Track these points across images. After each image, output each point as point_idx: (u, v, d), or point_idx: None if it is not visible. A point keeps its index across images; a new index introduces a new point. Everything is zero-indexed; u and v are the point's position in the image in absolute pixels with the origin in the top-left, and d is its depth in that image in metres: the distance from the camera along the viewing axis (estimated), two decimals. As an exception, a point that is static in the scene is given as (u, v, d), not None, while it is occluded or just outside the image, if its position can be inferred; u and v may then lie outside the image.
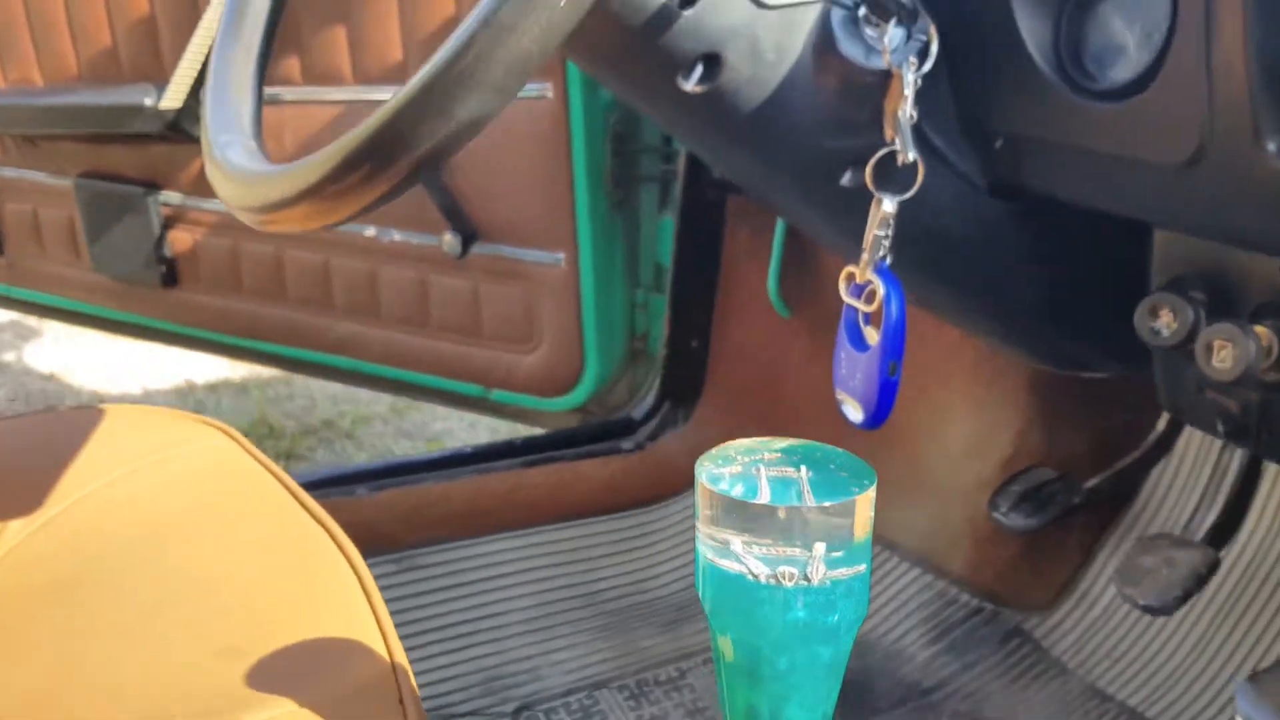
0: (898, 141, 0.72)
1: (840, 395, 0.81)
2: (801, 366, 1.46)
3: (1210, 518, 1.24)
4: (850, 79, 0.74)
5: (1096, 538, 1.33)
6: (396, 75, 1.49)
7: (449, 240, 1.49)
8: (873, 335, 0.78)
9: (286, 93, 1.57)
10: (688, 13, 0.67)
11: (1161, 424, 1.22)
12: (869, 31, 0.73)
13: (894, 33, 0.72)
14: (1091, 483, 1.19)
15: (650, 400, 1.48)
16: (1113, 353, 0.96)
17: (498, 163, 1.46)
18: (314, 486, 1.31)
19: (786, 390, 1.48)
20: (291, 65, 1.56)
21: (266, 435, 2.44)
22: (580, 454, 1.43)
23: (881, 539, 1.41)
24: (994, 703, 1.28)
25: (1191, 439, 1.24)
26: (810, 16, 0.73)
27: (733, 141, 0.78)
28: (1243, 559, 1.14)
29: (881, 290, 0.75)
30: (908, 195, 0.73)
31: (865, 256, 0.75)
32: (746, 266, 1.43)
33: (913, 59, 0.72)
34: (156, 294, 1.82)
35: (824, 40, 0.73)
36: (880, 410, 0.77)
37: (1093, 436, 1.29)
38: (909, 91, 0.71)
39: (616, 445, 1.46)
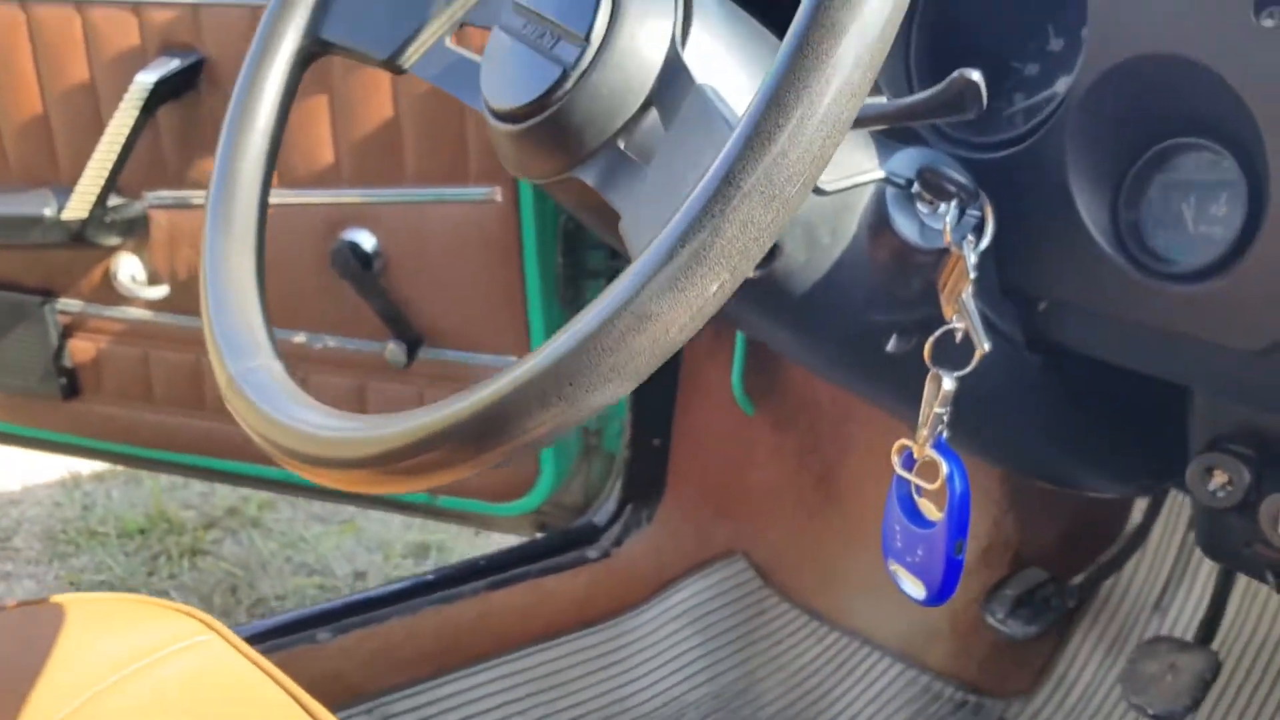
0: (956, 319, 0.70)
1: (894, 567, 0.79)
2: (766, 462, 1.44)
3: (1180, 595, 1.27)
4: (905, 257, 0.72)
5: (1070, 618, 1.35)
6: (329, 179, 1.41)
7: (393, 350, 1.42)
8: (933, 511, 0.75)
9: (199, 196, 1.47)
10: None
11: (1138, 515, 1.24)
12: (922, 209, 0.71)
13: (952, 212, 0.69)
14: (1078, 580, 1.20)
15: (612, 504, 1.44)
16: (1121, 479, 0.96)
17: (444, 267, 1.40)
18: (274, 634, 1.23)
19: (751, 485, 1.46)
20: (206, 166, 1.46)
21: (167, 531, 2.30)
22: (546, 568, 1.38)
23: (861, 634, 1.40)
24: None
25: (1164, 527, 1.27)
26: (864, 198, 0.70)
27: (781, 321, 0.75)
28: (1225, 646, 1.16)
29: (944, 468, 0.73)
30: (967, 371, 0.71)
31: (924, 433, 0.73)
32: (708, 364, 1.40)
33: (970, 237, 0.70)
34: (56, 406, 1.69)
35: (878, 220, 0.71)
36: (946, 589, 0.75)
37: (1067, 524, 1.31)
38: (973, 273, 0.69)
39: (582, 555, 1.41)
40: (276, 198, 1.44)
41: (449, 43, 0.75)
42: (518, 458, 0.51)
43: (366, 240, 1.43)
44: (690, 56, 0.60)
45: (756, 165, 0.44)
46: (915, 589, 0.77)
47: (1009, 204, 0.72)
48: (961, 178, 0.68)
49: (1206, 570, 1.26)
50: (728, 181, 0.45)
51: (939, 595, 0.76)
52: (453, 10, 0.75)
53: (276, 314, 1.49)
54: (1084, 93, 0.67)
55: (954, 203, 0.69)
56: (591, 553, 1.42)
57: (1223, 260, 0.65)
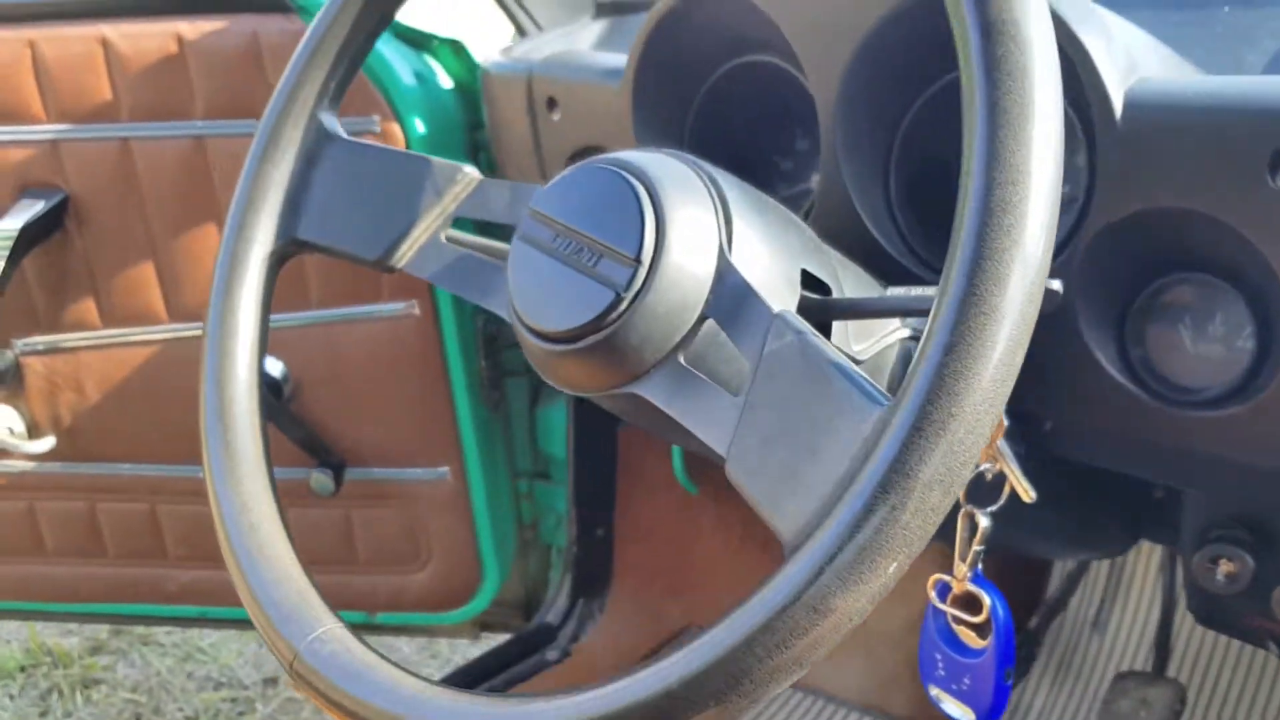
0: (988, 462, 0.72)
1: (936, 693, 0.81)
2: (711, 536, 1.45)
3: (1117, 613, 1.34)
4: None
5: (1018, 647, 1.41)
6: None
7: (318, 478, 1.36)
8: (974, 640, 0.77)
9: (80, 339, 1.37)
10: None
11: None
12: None
13: None
14: (1033, 623, 1.25)
15: (563, 600, 1.42)
16: (1100, 548, 1.01)
17: (363, 386, 1.35)
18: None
19: (697, 560, 1.47)
20: (82, 309, 1.36)
21: (51, 665, 2.14)
22: (510, 679, 1.35)
23: (824, 691, 1.43)
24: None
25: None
26: (892, 356, 0.71)
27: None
28: (1184, 672, 1.24)
29: (987, 601, 0.75)
30: (998, 506, 0.73)
31: (964, 569, 0.75)
32: (646, 452, 1.40)
33: None
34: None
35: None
36: (995, 713, 0.77)
37: (1009, 565, 1.36)
38: (1007, 421, 0.70)
39: (543, 659, 1.39)
40: (161, 333, 1.36)
41: (444, 239, 0.72)
42: None
43: (272, 367, 1.36)
44: (738, 260, 0.60)
45: (933, 456, 0.44)
46: (964, 714, 0.79)
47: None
48: None
49: (1139, 588, 1.34)
50: (905, 473, 0.44)
51: (989, 719, 0.78)
52: (444, 205, 0.72)
53: (172, 450, 1.42)
54: (1093, 238, 0.70)
55: None
56: (551, 654, 1.40)
57: (1242, 385, 0.69)
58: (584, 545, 1.41)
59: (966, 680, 0.78)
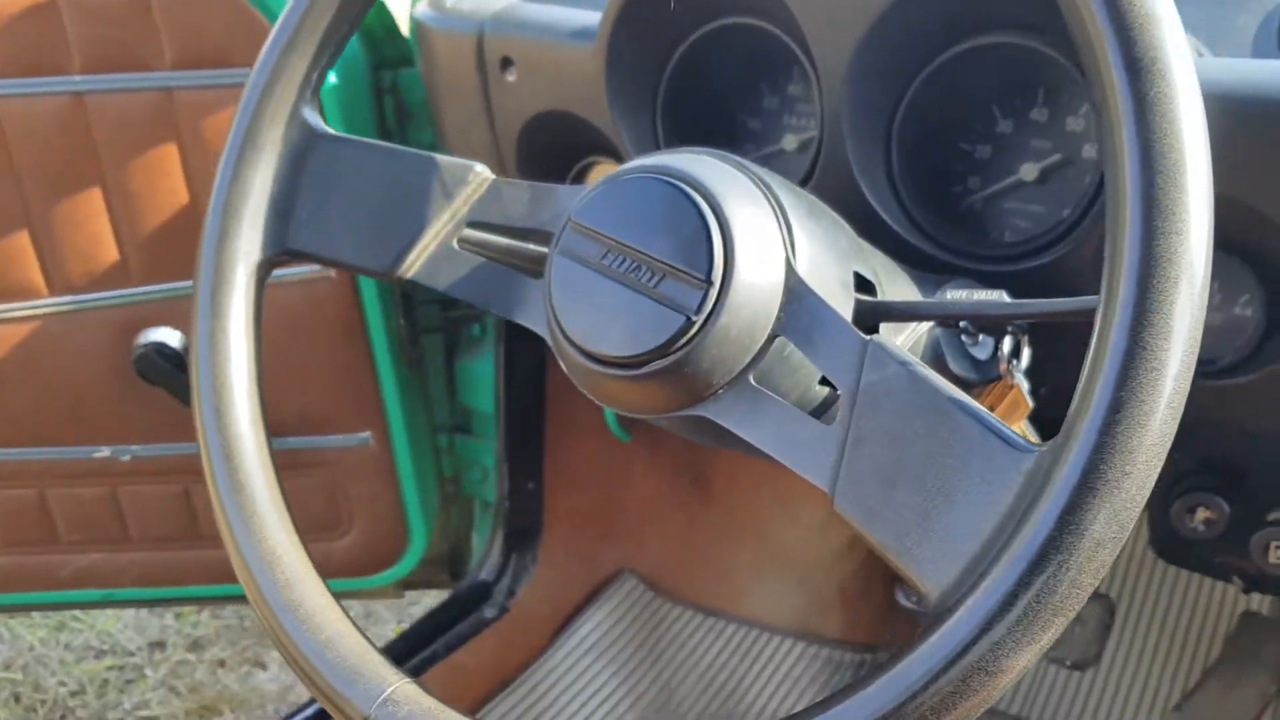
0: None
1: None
2: (642, 481, 1.44)
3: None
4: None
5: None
6: (115, 279, 1.22)
7: (235, 453, 1.27)
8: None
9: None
10: None
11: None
12: (966, 341, 0.72)
13: (1007, 342, 0.71)
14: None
15: (496, 556, 1.40)
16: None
17: (277, 352, 1.25)
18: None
19: (629, 505, 1.46)
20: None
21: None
22: (452, 642, 1.33)
23: (759, 622, 1.46)
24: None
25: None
26: (920, 345, 0.71)
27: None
28: (1114, 589, 1.31)
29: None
30: None
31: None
32: (575, 400, 1.36)
33: (1015, 361, 0.73)
34: None
35: (934, 363, 0.71)
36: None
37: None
38: (1031, 402, 0.71)
39: (481, 617, 1.37)
40: (54, 308, 1.24)
41: (457, 244, 0.67)
42: None
43: (172, 338, 1.26)
44: (804, 271, 0.58)
45: (1105, 513, 0.44)
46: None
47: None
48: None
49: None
50: (1076, 532, 0.44)
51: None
52: (454, 207, 0.66)
53: (68, 431, 1.31)
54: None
55: (1007, 335, 0.70)
56: (489, 612, 1.38)
57: (1252, 354, 0.71)
58: (515, 499, 1.39)
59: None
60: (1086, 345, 0.73)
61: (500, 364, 1.32)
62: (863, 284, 0.64)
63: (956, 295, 0.64)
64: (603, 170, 0.97)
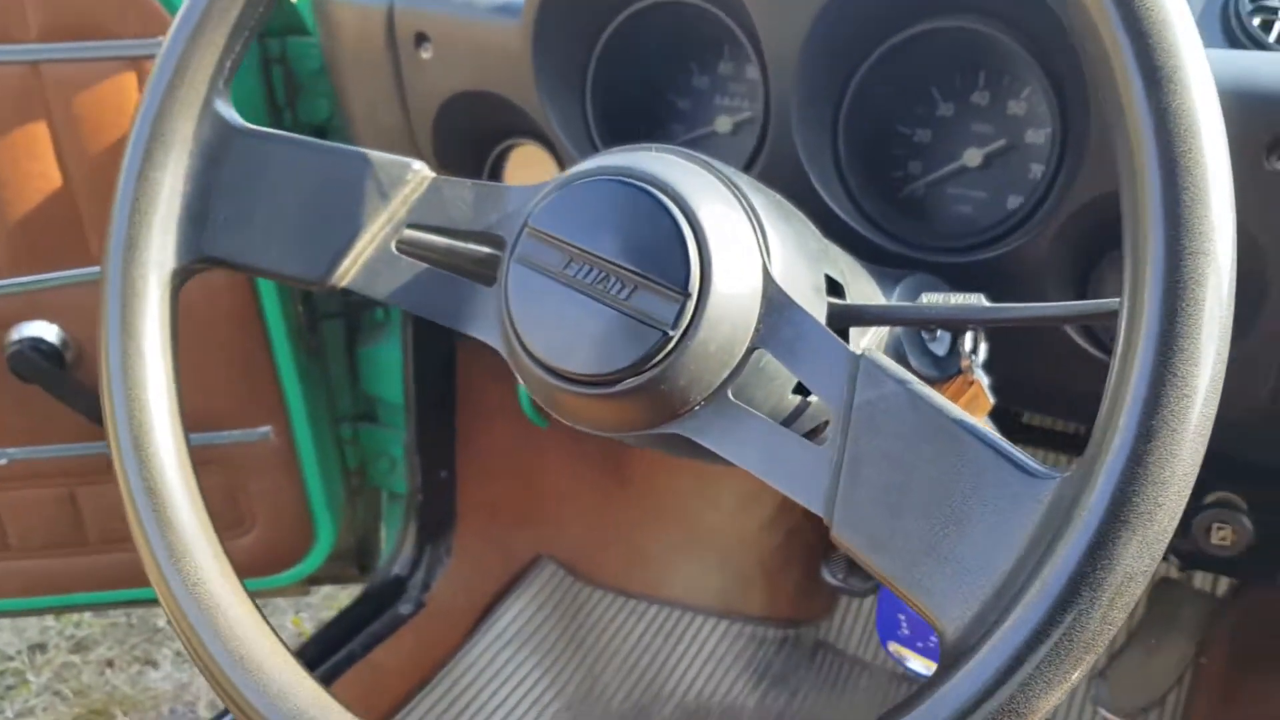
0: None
1: (898, 649, 0.82)
2: (559, 466, 1.40)
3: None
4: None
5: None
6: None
7: (124, 455, 1.19)
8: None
9: None
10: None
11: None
12: (926, 338, 0.70)
13: (968, 339, 0.69)
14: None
15: (409, 550, 1.35)
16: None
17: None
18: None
19: (545, 490, 1.42)
20: None
21: None
22: (368, 641, 1.27)
23: (680, 602, 1.44)
24: (829, 714, 1.40)
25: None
26: (882, 341, 0.68)
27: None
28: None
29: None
30: None
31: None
32: (490, 386, 1.32)
33: (974, 355, 0.71)
34: None
35: (894, 357, 0.69)
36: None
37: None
38: (993, 398, 0.70)
39: (396, 613, 1.32)
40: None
41: (395, 249, 0.61)
42: None
43: (48, 332, 1.17)
44: (781, 280, 0.54)
45: (1135, 546, 0.41)
46: (928, 668, 0.81)
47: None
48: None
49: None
50: (1107, 567, 0.41)
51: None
52: (392, 209, 0.61)
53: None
54: (1069, 214, 0.68)
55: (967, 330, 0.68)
56: (405, 608, 1.33)
57: None
58: (428, 490, 1.33)
59: (932, 639, 0.79)
60: (1038, 341, 0.71)
61: (408, 350, 1.26)
62: (832, 286, 0.61)
63: (932, 298, 0.61)
64: (525, 153, 0.92)
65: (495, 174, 0.93)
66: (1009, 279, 0.73)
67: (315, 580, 1.44)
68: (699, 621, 1.44)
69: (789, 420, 0.62)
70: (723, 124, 0.86)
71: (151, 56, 1.01)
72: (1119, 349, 0.43)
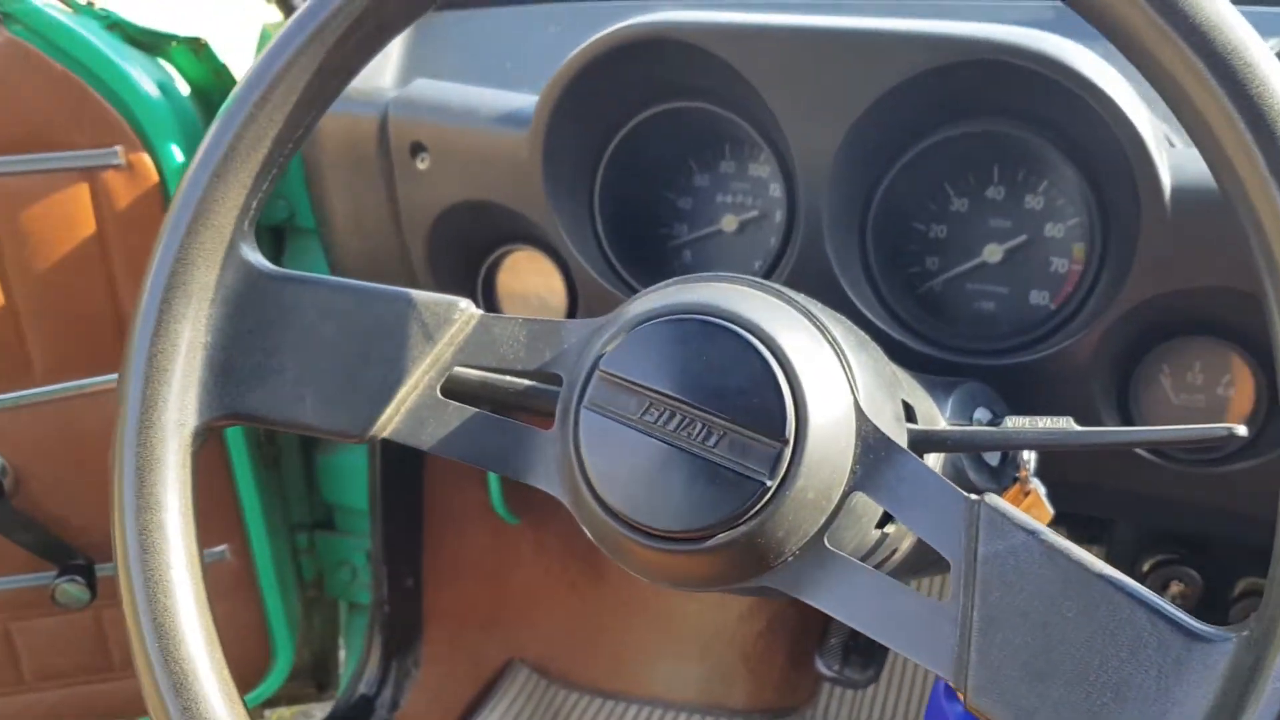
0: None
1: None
2: (531, 563, 1.35)
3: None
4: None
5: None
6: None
7: (65, 590, 1.11)
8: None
9: None
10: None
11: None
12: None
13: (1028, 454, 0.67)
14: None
15: (375, 667, 1.27)
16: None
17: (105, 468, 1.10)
18: None
19: (515, 590, 1.36)
20: None
21: None
22: (338, 772, 1.20)
23: (660, 700, 1.39)
24: (816, 810, 1.37)
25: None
26: (941, 458, 0.66)
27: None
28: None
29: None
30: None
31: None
32: (454, 489, 1.26)
33: (1029, 463, 0.69)
34: None
35: (952, 473, 0.67)
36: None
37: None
38: (1051, 509, 0.68)
39: (366, 735, 1.24)
40: None
41: (440, 394, 0.56)
42: None
43: (-14, 459, 1.08)
44: (873, 416, 0.51)
45: None
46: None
47: (1024, 407, 0.71)
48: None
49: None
50: None
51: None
52: (437, 351, 0.56)
53: None
54: (1119, 316, 0.67)
55: None
56: (374, 728, 1.25)
57: (1252, 442, 0.70)
58: (394, 601, 1.27)
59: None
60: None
61: (375, 456, 1.20)
62: (905, 410, 0.59)
63: (1018, 423, 0.58)
64: (521, 259, 0.88)
65: (489, 281, 0.88)
66: (1051, 381, 0.72)
67: (272, 704, 1.36)
68: (682, 719, 1.39)
69: (872, 555, 0.59)
70: (729, 223, 0.84)
71: (107, 167, 0.95)
72: None
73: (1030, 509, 0.68)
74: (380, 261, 0.89)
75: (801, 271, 0.73)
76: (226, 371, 0.55)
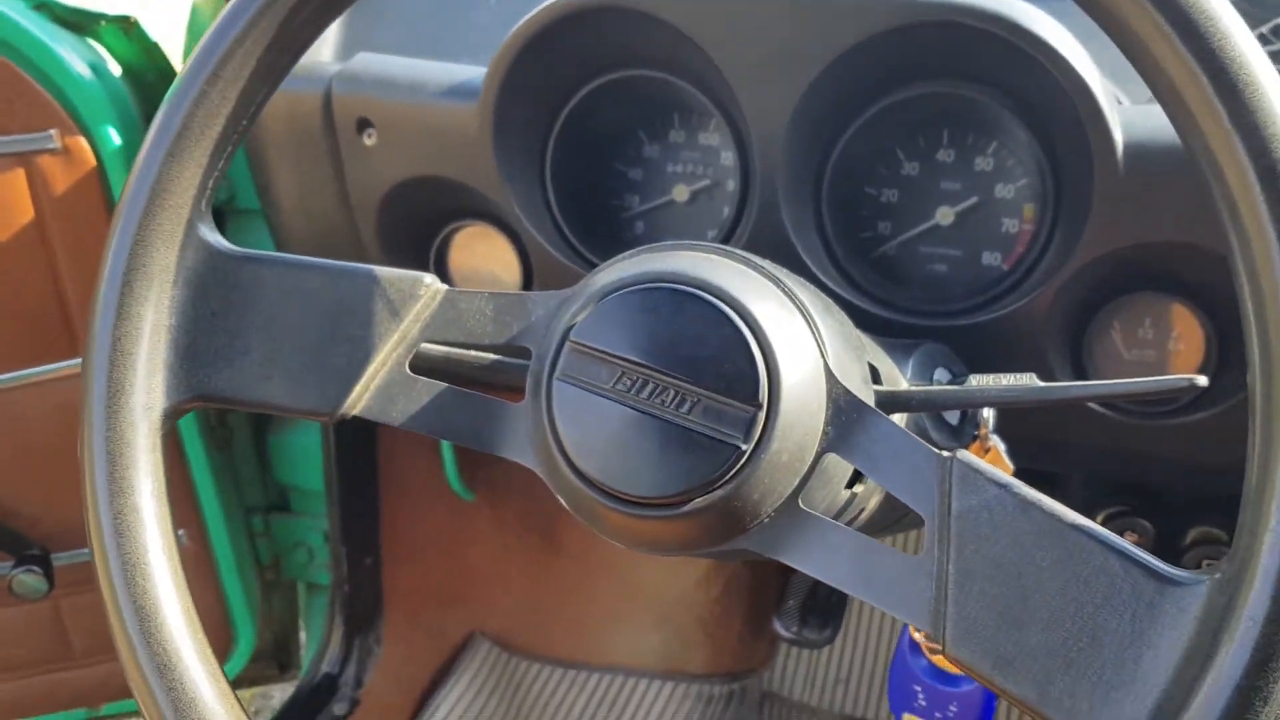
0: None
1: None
2: (489, 538, 1.35)
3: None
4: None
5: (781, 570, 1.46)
6: None
7: (23, 581, 1.09)
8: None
9: None
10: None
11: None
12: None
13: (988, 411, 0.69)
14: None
15: (337, 647, 1.27)
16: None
17: (62, 458, 1.07)
18: None
19: (474, 565, 1.36)
20: None
21: None
22: (304, 752, 1.19)
23: (621, 667, 1.40)
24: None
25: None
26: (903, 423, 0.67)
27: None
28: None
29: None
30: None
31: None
32: (410, 465, 1.26)
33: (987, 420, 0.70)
34: None
35: (915, 430, 0.68)
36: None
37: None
38: (1011, 464, 0.69)
39: (331, 715, 1.24)
40: None
41: (409, 370, 0.56)
42: None
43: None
44: (842, 378, 0.52)
45: None
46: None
47: (981, 365, 0.72)
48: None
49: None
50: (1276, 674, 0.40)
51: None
52: (403, 328, 0.56)
53: None
54: (1074, 271, 0.68)
55: None
56: (339, 708, 1.25)
57: (1205, 394, 0.71)
58: (354, 581, 1.26)
59: (953, 707, 0.78)
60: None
61: (329, 435, 1.19)
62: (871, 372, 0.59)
63: (982, 381, 0.59)
64: (473, 233, 0.87)
65: (440, 258, 0.88)
66: (1007, 339, 0.73)
67: (234, 685, 1.34)
68: (643, 685, 1.40)
69: (842, 514, 0.60)
70: (680, 193, 0.84)
71: (42, 152, 0.93)
72: (1257, 435, 0.42)
73: (991, 465, 0.69)
74: (329, 241, 0.87)
75: (757, 240, 0.74)
76: (192, 354, 0.54)
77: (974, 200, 0.77)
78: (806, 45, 0.67)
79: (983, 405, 0.58)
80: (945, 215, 0.78)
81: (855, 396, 0.51)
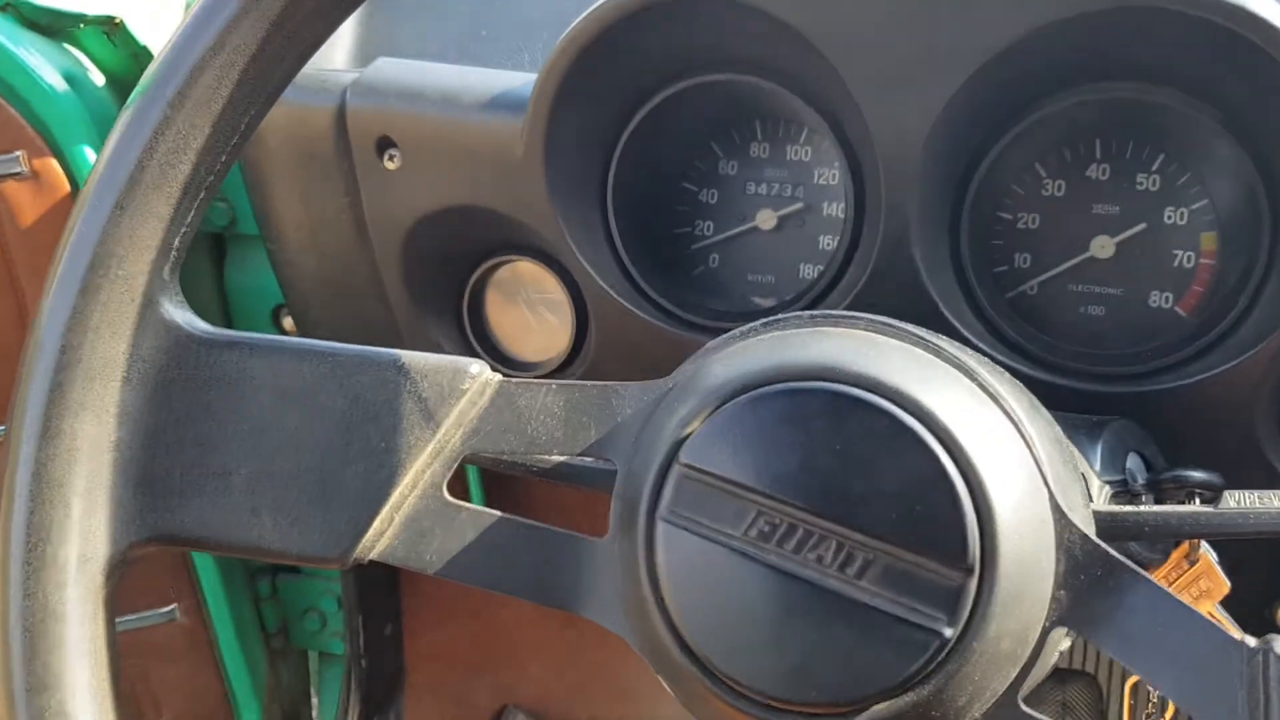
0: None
1: None
2: (519, 601, 1.20)
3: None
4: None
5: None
6: None
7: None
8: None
9: None
10: None
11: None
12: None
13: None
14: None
15: (355, 722, 1.12)
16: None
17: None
18: None
19: (504, 633, 1.22)
20: None
21: None
22: None
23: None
24: None
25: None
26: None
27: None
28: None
29: None
30: None
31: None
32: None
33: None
34: None
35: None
36: None
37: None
38: (1221, 572, 0.54)
39: (348, 806, 1.09)
40: None
41: (448, 497, 0.42)
42: None
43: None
44: (1069, 510, 0.37)
45: None
46: None
47: (1162, 441, 0.58)
48: (1201, 475, 0.52)
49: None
50: None
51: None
52: (441, 438, 0.41)
53: None
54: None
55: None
56: (357, 797, 1.11)
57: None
58: (372, 652, 1.12)
59: None
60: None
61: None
62: None
63: (1245, 501, 0.44)
64: (515, 272, 0.73)
65: (475, 301, 0.73)
66: (1195, 408, 0.58)
67: (237, 767, 1.21)
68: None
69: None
70: (765, 219, 0.69)
71: (6, 177, 0.79)
72: None
73: (1199, 579, 0.54)
74: (343, 281, 0.73)
75: (880, 282, 0.59)
76: (148, 480, 0.40)
77: (1142, 227, 0.63)
78: (955, 45, 0.52)
79: (1252, 535, 0.43)
80: (1103, 246, 0.63)
81: (1098, 545, 0.36)
